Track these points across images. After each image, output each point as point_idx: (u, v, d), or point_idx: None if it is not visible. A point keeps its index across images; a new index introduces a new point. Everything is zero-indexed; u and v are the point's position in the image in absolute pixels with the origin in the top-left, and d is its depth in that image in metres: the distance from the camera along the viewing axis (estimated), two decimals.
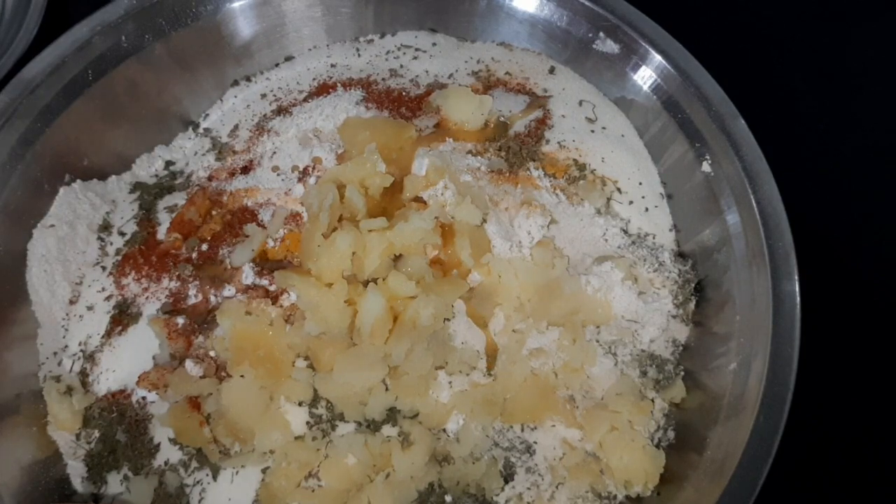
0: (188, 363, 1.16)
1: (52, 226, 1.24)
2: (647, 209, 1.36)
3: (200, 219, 1.30)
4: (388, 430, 1.15)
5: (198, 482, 1.14)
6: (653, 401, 1.22)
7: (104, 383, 1.20)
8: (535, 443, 1.18)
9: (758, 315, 1.15)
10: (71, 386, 1.20)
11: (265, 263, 1.24)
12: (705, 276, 1.29)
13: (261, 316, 1.16)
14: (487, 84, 1.46)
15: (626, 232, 1.33)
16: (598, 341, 1.23)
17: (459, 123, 1.37)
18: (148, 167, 1.40)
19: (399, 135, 1.33)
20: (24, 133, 1.21)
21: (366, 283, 1.17)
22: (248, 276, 1.21)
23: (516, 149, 1.35)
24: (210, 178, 1.36)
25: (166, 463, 1.15)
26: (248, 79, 1.49)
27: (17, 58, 1.40)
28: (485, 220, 1.25)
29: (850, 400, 1.34)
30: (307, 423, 1.16)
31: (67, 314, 1.25)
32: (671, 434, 1.21)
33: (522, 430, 1.19)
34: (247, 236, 1.25)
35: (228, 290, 1.21)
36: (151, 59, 1.34)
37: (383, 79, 1.46)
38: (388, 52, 1.51)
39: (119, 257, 1.28)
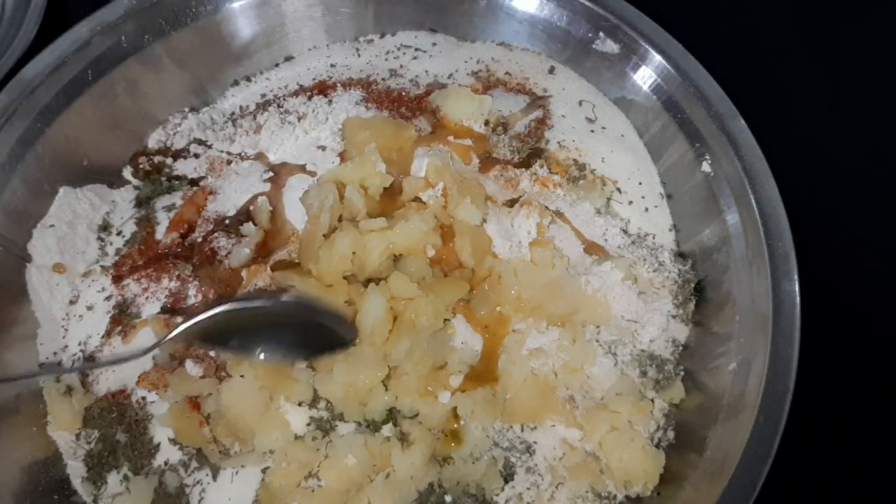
0: (188, 363, 1.16)
1: (52, 226, 1.24)
2: (646, 209, 1.36)
3: (199, 218, 1.30)
4: (388, 430, 1.15)
5: (198, 482, 1.14)
6: (652, 401, 1.22)
7: (104, 383, 1.20)
8: (535, 443, 1.18)
9: (758, 315, 1.15)
10: (71, 386, 1.20)
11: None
12: (705, 276, 1.29)
13: None
14: (487, 84, 1.46)
15: (625, 232, 1.33)
16: (597, 341, 1.23)
17: (459, 123, 1.37)
18: (147, 166, 1.40)
19: (399, 135, 1.32)
20: (24, 133, 1.21)
21: (366, 284, 1.17)
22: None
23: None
24: (208, 178, 1.36)
25: (166, 463, 1.15)
26: (247, 79, 1.49)
27: (17, 58, 1.39)
28: (485, 220, 1.25)
29: (850, 400, 1.34)
30: (307, 423, 1.16)
31: (67, 314, 1.25)
32: (671, 434, 1.21)
33: (522, 430, 1.19)
34: (244, 236, 1.25)
35: None
36: (151, 59, 1.34)
37: (383, 79, 1.45)
38: (387, 52, 1.51)
39: (119, 257, 1.28)
